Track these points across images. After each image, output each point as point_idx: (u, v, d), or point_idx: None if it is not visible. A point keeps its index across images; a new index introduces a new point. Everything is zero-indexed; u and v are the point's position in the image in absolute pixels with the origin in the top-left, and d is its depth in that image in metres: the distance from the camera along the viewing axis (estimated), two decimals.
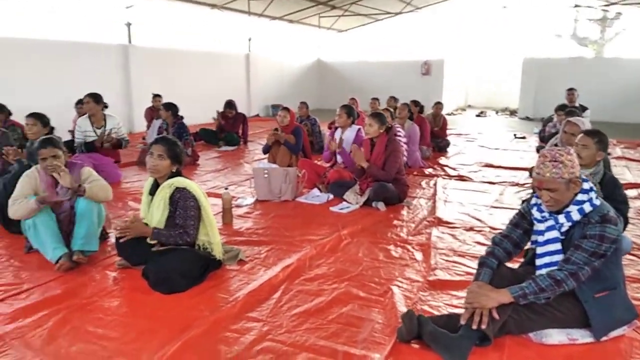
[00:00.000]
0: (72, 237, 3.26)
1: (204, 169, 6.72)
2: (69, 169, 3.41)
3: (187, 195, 3.03)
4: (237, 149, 8.39)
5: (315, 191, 5.22)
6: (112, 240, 3.49)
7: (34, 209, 3.24)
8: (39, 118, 4.66)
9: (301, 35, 17.06)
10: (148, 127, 8.75)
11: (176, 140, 3.20)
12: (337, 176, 5.15)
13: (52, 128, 4.69)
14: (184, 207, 3.02)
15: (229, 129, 8.68)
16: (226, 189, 4.52)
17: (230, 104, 8.71)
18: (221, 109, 8.77)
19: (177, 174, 3.15)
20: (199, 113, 10.51)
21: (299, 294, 2.89)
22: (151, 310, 2.70)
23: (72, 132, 6.66)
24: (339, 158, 5.43)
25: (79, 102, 7.08)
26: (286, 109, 6.16)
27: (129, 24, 10.46)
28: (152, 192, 3.15)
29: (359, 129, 5.39)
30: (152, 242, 3.06)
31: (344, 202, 4.82)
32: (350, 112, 5.46)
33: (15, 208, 3.26)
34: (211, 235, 3.13)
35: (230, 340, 2.40)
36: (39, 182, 3.38)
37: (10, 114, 6.07)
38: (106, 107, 6.03)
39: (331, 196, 5.02)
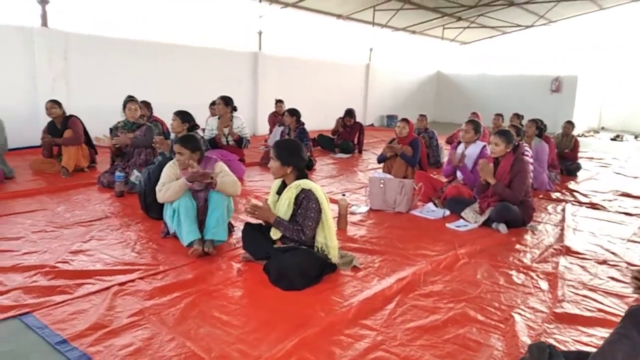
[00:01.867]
0: (204, 227, 3.53)
1: (320, 174, 6.90)
2: (204, 162, 3.73)
3: (311, 197, 3.14)
4: (351, 156, 8.51)
5: (431, 205, 5.11)
6: (238, 234, 3.71)
7: (183, 187, 3.56)
8: (179, 115, 5.11)
9: (422, 47, 16.86)
10: (270, 131, 9.20)
11: (287, 144, 3.32)
12: (456, 192, 5.00)
13: (194, 125, 5.09)
14: (305, 207, 3.14)
15: (346, 137, 8.85)
16: (343, 195, 4.60)
17: (350, 113, 8.87)
18: (338, 116, 8.97)
19: (304, 176, 3.28)
20: (318, 120, 10.83)
21: (413, 309, 2.85)
22: (270, 303, 2.83)
23: (203, 129, 7.22)
24: (458, 174, 5.26)
25: (213, 103, 7.65)
26: (405, 120, 6.12)
27: (260, 32, 11.12)
28: (279, 192, 3.32)
29: (484, 146, 5.18)
30: (275, 237, 3.23)
31: (461, 220, 4.66)
32: (477, 127, 5.27)
33: (164, 191, 3.61)
34: (329, 239, 3.21)
35: (344, 344, 2.43)
36: (178, 172, 3.72)
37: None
38: (235, 109, 6.46)
39: (447, 212, 4.89)
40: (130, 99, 5.56)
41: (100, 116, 6.80)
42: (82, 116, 6.15)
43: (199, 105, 8.10)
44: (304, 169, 3.34)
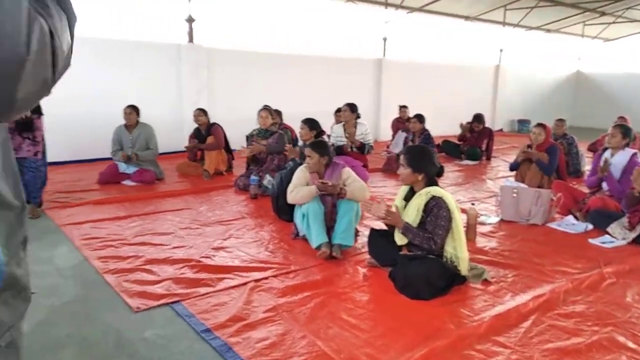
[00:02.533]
0: (333, 231, 3.65)
1: (445, 181, 6.70)
2: (331, 168, 3.87)
3: (442, 204, 3.08)
4: (479, 163, 8.17)
5: (571, 218, 4.71)
6: (362, 239, 3.77)
7: (312, 194, 3.75)
8: (308, 123, 5.33)
9: (558, 45, 15.59)
10: (393, 137, 9.18)
11: (419, 150, 3.29)
12: (601, 204, 4.55)
13: (320, 132, 5.29)
14: (436, 215, 3.08)
15: (473, 142, 8.51)
16: (472, 204, 4.43)
17: (478, 118, 8.52)
18: (464, 121, 8.66)
19: (434, 183, 3.23)
20: (442, 125, 10.58)
21: (552, 329, 2.65)
22: (397, 310, 2.83)
23: (329, 136, 7.43)
24: (604, 184, 4.79)
25: (338, 110, 7.85)
26: (542, 125, 5.71)
27: (385, 39, 11.17)
28: (407, 198, 3.31)
29: (635, 154, 4.65)
30: (400, 243, 3.22)
31: (607, 236, 4.23)
32: (627, 132, 4.75)
33: (294, 193, 3.81)
34: (459, 249, 3.12)
35: (475, 359, 2.35)
36: (308, 176, 3.89)
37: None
38: (359, 117, 6.56)
39: (590, 226, 4.46)
40: (263, 108, 5.93)
41: (238, 124, 7.27)
42: (222, 124, 6.71)
43: (323, 112, 8.35)
44: (434, 176, 3.29)
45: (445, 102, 11.82)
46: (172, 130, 7.75)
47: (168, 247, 3.79)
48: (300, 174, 3.94)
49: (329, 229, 3.71)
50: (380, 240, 3.42)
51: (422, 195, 3.16)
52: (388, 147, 9.17)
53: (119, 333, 2.54)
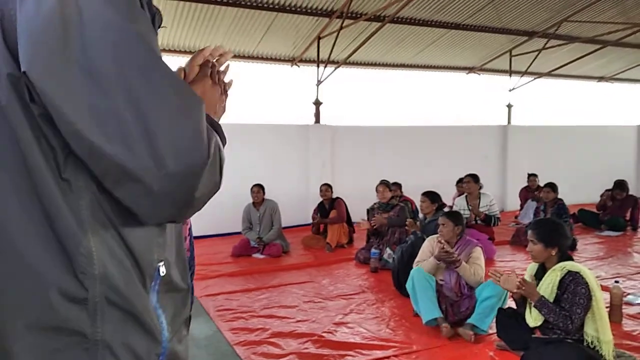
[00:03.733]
0: (462, 310, 3.57)
1: (583, 255, 6.13)
2: (463, 242, 3.81)
3: (580, 280, 2.85)
4: (622, 235, 7.34)
5: None
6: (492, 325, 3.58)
7: (434, 265, 3.74)
8: (429, 196, 5.33)
9: None
10: (521, 207, 8.71)
11: (549, 223, 3.10)
12: None
13: (441, 205, 5.26)
14: (573, 292, 2.84)
15: (615, 212, 7.71)
16: (617, 282, 4.00)
17: (621, 185, 7.76)
18: (605, 189, 7.95)
19: (568, 258, 3.02)
20: (578, 193, 9.81)
21: None
22: None
23: (450, 207, 7.27)
24: None
25: (460, 181, 7.72)
26: None
27: (510, 106, 10.90)
28: (538, 275, 3.11)
29: None
30: (532, 324, 2.99)
31: None
32: None
33: (420, 265, 3.83)
34: (601, 332, 2.82)
35: None
36: (435, 247, 3.86)
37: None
38: (481, 187, 6.39)
39: None
40: (380, 182, 6.07)
41: (359, 197, 7.43)
42: (344, 197, 6.97)
43: (443, 183, 8.26)
44: (567, 250, 3.08)
45: (580, 168, 10.96)
46: (298, 204, 8.18)
47: (292, 321, 3.94)
48: (427, 244, 3.95)
49: (455, 304, 3.61)
50: (510, 322, 3.22)
51: (557, 271, 2.95)
52: (516, 217, 8.70)
53: None
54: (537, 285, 3.06)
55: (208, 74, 1.05)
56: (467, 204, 6.36)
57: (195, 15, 7.19)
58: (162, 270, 0.86)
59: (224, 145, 0.89)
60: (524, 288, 2.97)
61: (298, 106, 8.67)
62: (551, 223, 3.15)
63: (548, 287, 2.96)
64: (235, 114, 8.07)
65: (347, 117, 8.99)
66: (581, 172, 10.81)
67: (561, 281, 2.91)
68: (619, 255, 6.05)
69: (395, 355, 3.23)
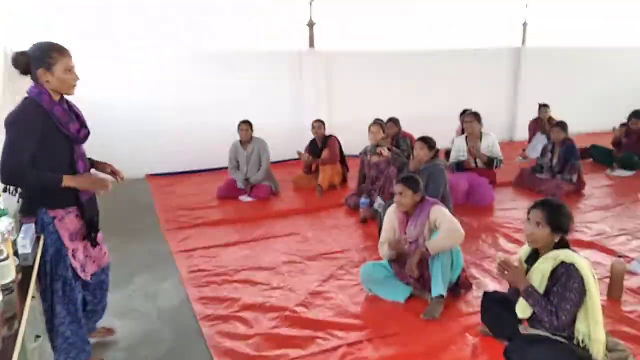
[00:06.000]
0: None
1: (589, 202, 5.69)
2: (419, 207, 3.47)
3: (573, 273, 2.49)
4: (635, 174, 6.81)
5: None
6: (477, 301, 3.29)
7: (390, 257, 3.57)
8: (427, 143, 4.84)
9: None
10: (529, 139, 8.21)
11: (560, 205, 2.68)
12: None
13: (436, 152, 4.81)
14: (564, 285, 2.51)
15: (630, 147, 7.09)
16: (620, 256, 3.63)
17: (637, 114, 7.11)
18: (617, 125, 7.37)
19: (564, 245, 2.65)
20: (594, 123, 9.22)
21: None
22: None
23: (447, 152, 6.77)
24: None
25: (463, 112, 7.14)
26: None
27: (524, 24, 9.96)
28: (529, 261, 2.76)
29: None
30: (521, 315, 2.69)
31: None
32: None
33: (382, 252, 3.62)
34: (593, 330, 2.52)
35: None
36: (396, 220, 3.58)
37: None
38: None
39: None
40: (374, 122, 5.59)
41: (356, 128, 6.86)
42: (341, 131, 6.50)
43: (446, 116, 7.73)
44: (567, 234, 2.69)
45: (597, 92, 10.15)
46: (290, 138, 7.69)
47: (267, 288, 3.70)
48: (388, 219, 3.63)
49: (419, 278, 3.40)
50: (496, 308, 2.93)
51: (549, 260, 2.59)
52: (524, 150, 8.21)
53: None
54: (527, 271, 2.71)
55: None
56: (467, 144, 5.87)
57: None
58: None
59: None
60: (506, 272, 2.64)
61: (289, 29, 7.87)
62: (560, 206, 2.70)
63: (539, 275, 2.62)
64: (217, 40, 7.36)
65: (345, 40, 8.15)
66: (597, 96, 10.05)
67: (553, 272, 2.57)
68: (629, 204, 5.60)
69: (368, 340, 2.99)
